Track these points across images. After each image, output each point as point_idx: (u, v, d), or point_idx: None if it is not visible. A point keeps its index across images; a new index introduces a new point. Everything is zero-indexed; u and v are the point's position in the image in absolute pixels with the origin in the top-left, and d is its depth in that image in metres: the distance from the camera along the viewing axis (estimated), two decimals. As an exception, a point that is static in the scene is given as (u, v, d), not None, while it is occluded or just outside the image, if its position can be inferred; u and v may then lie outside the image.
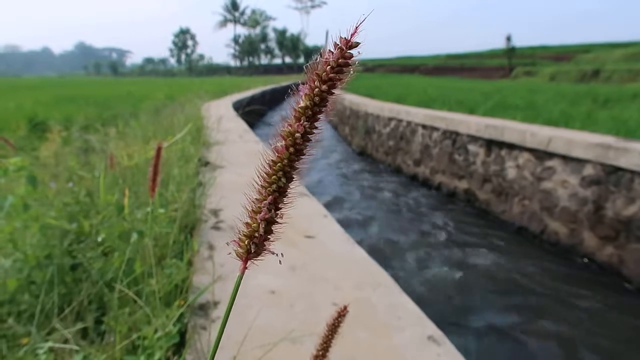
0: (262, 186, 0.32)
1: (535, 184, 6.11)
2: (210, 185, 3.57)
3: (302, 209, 3.42)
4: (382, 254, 5.63)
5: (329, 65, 0.29)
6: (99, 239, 2.13)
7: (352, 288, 2.21)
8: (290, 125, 0.31)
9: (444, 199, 8.13)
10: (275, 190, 0.32)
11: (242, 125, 8.77)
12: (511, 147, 6.60)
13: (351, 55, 0.28)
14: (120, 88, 20.02)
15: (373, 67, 59.61)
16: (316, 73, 0.29)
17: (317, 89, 0.29)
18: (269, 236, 0.33)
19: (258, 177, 0.32)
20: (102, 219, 2.28)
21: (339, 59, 0.28)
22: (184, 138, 4.37)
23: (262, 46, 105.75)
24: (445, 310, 4.38)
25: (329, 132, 16.93)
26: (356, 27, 0.27)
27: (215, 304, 1.93)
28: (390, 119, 10.80)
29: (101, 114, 8.14)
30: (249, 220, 0.32)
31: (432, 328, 1.85)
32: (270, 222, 0.33)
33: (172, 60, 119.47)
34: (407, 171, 9.89)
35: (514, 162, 6.54)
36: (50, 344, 1.45)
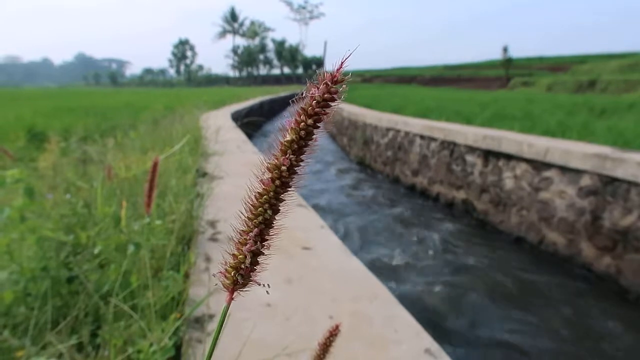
0: (248, 218, 0.32)
1: (533, 195, 6.12)
2: (208, 196, 3.57)
3: (299, 220, 3.41)
4: (379, 265, 5.62)
5: (315, 100, 0.29)
6: (96, 251, 2.12)
7: (348, 300, 2.20)
8: (277, 158, 0.31)
9: (442, 209, 8.14)
10: (262, 222, 0.32)
11: (240, 135, 8.79)
12: (509, 157, 6.62)
13: (336, 91, 0.29)
14: (120, 98, 20.08)
15: (371, 77, 59.96)
16: (302, 107, 0.30)
17: (303, 123, 0.30)
18: (255, 267, 0.33)
19: (244, 208, 0.32)
20: (99, 231, 2.27)
21: (324, 93, 0.29)
22: (182, 149, 4.38)
23: (261, 57, 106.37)
24: (441, 321, 4.36)
25: (327, 142, 16.97)
26: (342, 63, 0.28)
27: (211, 316, 1.92)
28: (388, 130, 10.84)
29: (100, 124, 8.15)
30: (235, 252, 0.33)
31: (429, 341, 1.84)
32: (256, 254, 0.33)
33: (171, 71, 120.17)
34: (405, 181, 9.91)
35: (512, 173, 6.56)
36: (43, 358, 1.44)
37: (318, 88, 0.29)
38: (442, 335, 3.91)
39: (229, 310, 0.33)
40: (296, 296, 2.22)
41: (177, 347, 1.76)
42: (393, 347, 1.79)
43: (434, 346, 1.80)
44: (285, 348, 1.63)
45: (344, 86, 0.29)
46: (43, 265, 1.95)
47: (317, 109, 0.29)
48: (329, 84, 0.29)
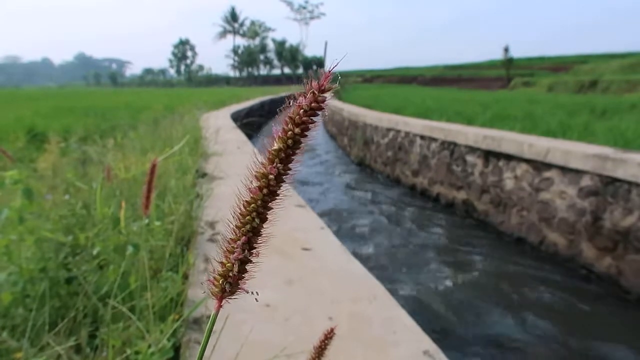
0: (236, 226, 0.32)
1: (534, 195, 6.12)
2: (207, 197, 3.57)
3: (299, 221, 3.41)
4: (378, 265, 5.61)
5: (302, 109, 0.29)
6: (95, 252, 2.12)
7: (348, 302, 2.20)
8: (264, 167, 0.31)
9: (443, 210, 8.13)
10: (249, 231, 0.32)
11: (240, 136, 8.79)
12: (509, 158, 6.61)
13: (324, 99, 0.29)
14: (120, 99, 20.08)
15: (371, 77, 59.95)
16: (289, 116, 0.30)
17: (290, 132, 0.30)
18: (243, 275, 0.33)
19: (232, 216, 0.32)
20: (98, 232, 2.27)
21: (311, 102, 0.29)
22: (182, 149, 4.38)
23: (261, 57, 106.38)
24: (440, 322, 4.36)
25: (327, 142, 16.97)
26: (329, 72, 0.28)
27: (209, 318, 1.92)
28: (389, 130, 10.84)
29: (100, 125, 8.15)
30: (223, 260, 0.33)
31: (427, 342, 1.84)
32: (244, 262, 0.33)
33: (172, 71, 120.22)
34: (405, 182, 9.90)
35: (512, 173, 6.56)
36: (42, 360, 1.44)
37: (305, 96, 0.29)
38: (439, 335, 3.91)
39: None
40: (296, 297, 2.22)
41: (176, 349, 1.76)
42: (392, 349, 1.79)
43: (433, 347, 1.80)
44: (284, 349, 1.62)
45: (332, 94, 0.29)
46: (42, 266, 1.95)
47: (304, 118, 0.29)
48: (316, 92, 0.29)
